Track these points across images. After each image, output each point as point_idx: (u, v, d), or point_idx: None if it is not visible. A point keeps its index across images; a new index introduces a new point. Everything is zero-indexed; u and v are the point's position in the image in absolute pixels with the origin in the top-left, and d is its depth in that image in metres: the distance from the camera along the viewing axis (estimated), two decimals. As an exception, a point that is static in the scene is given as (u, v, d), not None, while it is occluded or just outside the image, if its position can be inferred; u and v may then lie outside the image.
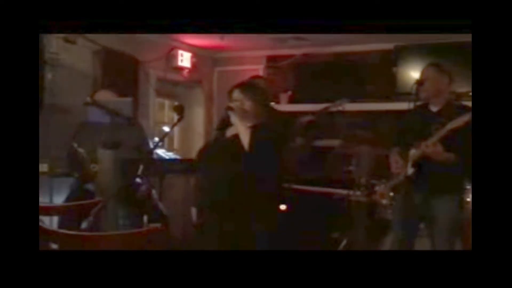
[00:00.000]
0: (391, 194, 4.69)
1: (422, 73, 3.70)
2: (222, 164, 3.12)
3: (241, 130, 3.09)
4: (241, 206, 3.05)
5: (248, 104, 3.16)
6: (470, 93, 5.35)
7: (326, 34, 5.55)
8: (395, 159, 3.74)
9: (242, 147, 3.06)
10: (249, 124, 3.12)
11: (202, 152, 3.41)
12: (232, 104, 3.15)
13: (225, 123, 3.31)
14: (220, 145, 3.23)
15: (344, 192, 5.11)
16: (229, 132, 3.23)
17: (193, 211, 3.32)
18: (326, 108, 5.03)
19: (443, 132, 3.35)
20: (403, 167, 3.65)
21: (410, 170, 3.58)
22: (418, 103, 3.66)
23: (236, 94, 3.21)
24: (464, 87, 5.42)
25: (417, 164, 3.54)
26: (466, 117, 3.24)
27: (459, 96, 5.27)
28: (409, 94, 3.69)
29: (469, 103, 3.94)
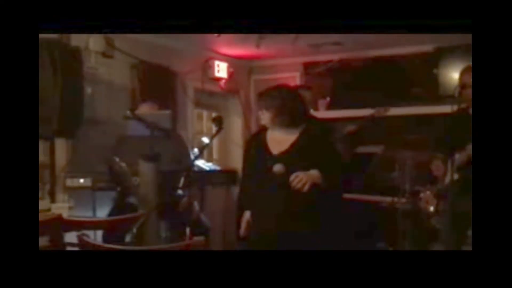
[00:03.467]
0: (436, 200, 4.61)
1: (463, 76, 3.64)
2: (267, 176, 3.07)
3: (282, 139, 3.06)
4: (288, 216, 3.00)
5: (273, 114, 3.07)
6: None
7: (364, 37, 5.56)
8: (436, 164, 3.68)
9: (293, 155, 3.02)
10: (289, 132, 3.07)
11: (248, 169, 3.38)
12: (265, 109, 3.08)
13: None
14: (267, 153, 3.17)
15: (388, 199, 5.03)
16: (272, 141, 3.17)
17: (244, 221, 3.26)
18: (370, 116, 4.97)
19: None
20: (445, 172, 3.59)
21: (456, 175, 3.52)
22: (461, 106, 3.60)
23: (261, 103, 3.15)
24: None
25: (463, 169, 3.47)
26: None
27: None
28: (452, 96, 3.62)
29: None
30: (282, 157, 3.02)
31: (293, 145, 3.05)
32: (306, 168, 2.92)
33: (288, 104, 3.06)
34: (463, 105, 3.63)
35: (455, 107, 3.57)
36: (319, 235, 2.99)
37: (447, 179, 3.64)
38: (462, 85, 3.56)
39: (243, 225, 3.24)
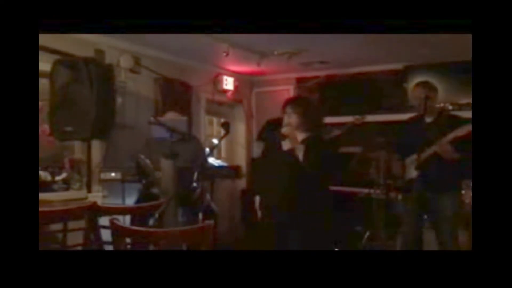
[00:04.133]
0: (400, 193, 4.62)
1: (416, 90, 3.63)
2: (280, 174, 3.05)
3: (296, 145, 3.00)
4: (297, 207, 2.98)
5: (295, 118, 3.05)
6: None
7: (345, 57, 5.56)
8: (396, 164, 3.69)
9: (297, 160, 2.97)
10: (301, 138, 3.03)
11: (261, 158, 3.36)
12: (284, 131, 3.03)
13: (271, 131, 3.25)
14: (276, 157, 3.14)
15: (365, 191, 5.04)
16: (285, 145, 3.12)
17: (257, 205, 3.23)
18: (351, 123, 4.97)
19: (450, 137, 3.28)
20: (403, 171, 3.61)
21: (414, 173, 3.51)
22: (414, 114, 3.62)
23: (288, 109, 3.10)
24: (465, 99, 5.31)
25: (421, 167, 3.47)
26: (470, 127, 3.16)
27: (462, 106, 5.17)
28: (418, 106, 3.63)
29: (459, 113, 3.88)
30: (287, 154, 3.04)
31: (302, 142, 3.03)
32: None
33: (312, 111, 3.10)
34: (417, 113, 3.65)
35: (410, 115, 3.60)
36: (312, 216, 2.99)
37: (407, 176, 3.63)
38: (427, 96, 3.54)
39: (259, 209, 3.22)
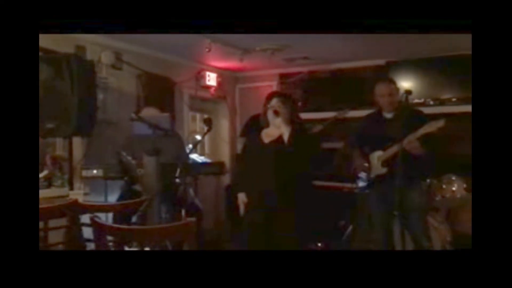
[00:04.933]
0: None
1: (378, 88, 3.67)
2: (267, 163, 3.06)
3: (284, 129, 3.03)
4: (284, 198, 3.00)
5: (284, 110, 3.08)
6: (453, 99, 5.31)
7: (328, 53, 5.57)
8: (359, 160, 3.71)
9: (284, 145, 3.01)
10: (288, 127, 3.06)
11: (243, 155, 3.36)
12: (279, 110, 3.07)
13: (259, 125, 3.24)
14: (261, 147, 3.15)
15: (348, 185, 5.06)
16: (265, 136, 3.15)
17: (240, 201, 3.22)
18: (333, 118, 4.99)
19: (419, 133, 3.30)
20: (369, 168, 3.64)
21: (381, 170, 3.54)
22: (374, 110, 3.66)
23: (275, 101, 3.13)
24: (446, 94, 5.37)
25: (387, 163, 3.49)
26: (440, 123, 3.22)
27: (443, 101, 5.23)
28: (400, 102, 3.65)
29: (420, 109, 3.92)
30: (271, 145, 3.04)
31: (281, 137, 3.05)
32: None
33: (294, 108, 3.19)
34: (376, 108, 3.69)
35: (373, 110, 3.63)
36: (297, 211, 3.00)
37: (375, 172, 3.65)
38: (407, 91, 3.57)
39: (241, 205, 3.21)
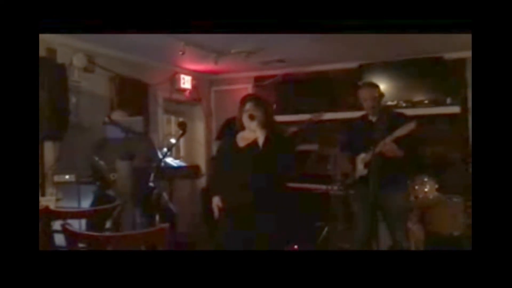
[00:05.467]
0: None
1: (361, 92, 3.71)
2: (242, 167, 3.03)
3: (259, 133, 3.00)
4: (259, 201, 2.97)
5: (259, 114, 3.05)
6: (425, 101, 5.39)
7: (303, 56, 5.60)
8: (344, 162, 3.75)
9: (259, 149, 2.98)
10: (263, 131, 3.03)
11: (218, 159, 3.32)
12: (254, 114, 3.03)
13: (234, 129, 3.21)
14: (236, 151, 3.12)
15: (323, 187, 5.09)
16: (241, 140, 3.13)
17: (215, 205, 3.17)
18: (309, 120, 5.01)
19: (394, 136, 3.37)
20: (353, 169, 3.67)
21: (364, 171, 3.58)
22: (361, 114, 3.70)
23: (250, 105, 3.09)
24: (418, 96, 5.45)
25: (369, 165, 3.54)
26: (411, 126, 3.31)
27: (415, 104, 5.31)
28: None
29: (401, 111, 3.98)
30: (246, 149, 3.03)
31: (256, 142, 3.03)
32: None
33: (269, 111, 3.14)
34: (363, 112, 3.73)
35: (357, 114, 3.66)
36: (273, 213, 2.99)
37: (357, 174, 3.69)
38: (381, 94, 3.66)
39: (215, 209, 3.17)
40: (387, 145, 3.39)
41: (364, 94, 3.67)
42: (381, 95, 3.71)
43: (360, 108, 3.83)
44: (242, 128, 3.13)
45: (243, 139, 3.13)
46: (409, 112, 4.68)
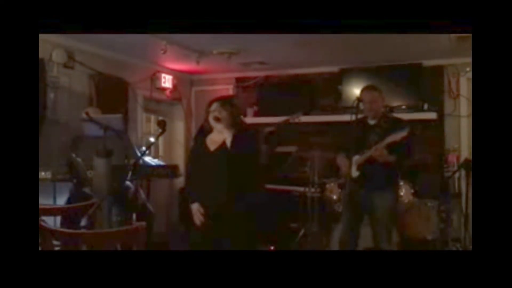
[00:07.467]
0: (339, 191, 4.74)
1: (362, 94, 3.73)
2: (214, 170, 3.03)
3: (226, 134, 3.01)
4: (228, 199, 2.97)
5: (225, 115, 3.05)
6: (403, 106, 5.45)
7: (284, 58, 5.61)
8: (344, 162, 3.75)
9: (228, 151, 2.99)
10: (231, 132, 3.04)
11: (191, 163, 3.30)
12: (220, 115, 3.04)
13: (204, 132, 3.20)
14: (206, 155, 3.11)
15: (300, 189, 5.10)
16: (210, 142, 3.11)
17: (195, 211, 3.11)
18: (285, 121, 5.01)
19: (385, 142, 3.42)
20: (349, 166, 3.67)
21: (355, 173, 3.61)
22: (359, 116, 3.69)
23: (215, 106, 3.10)
24: (396, 101, 5.51)
25: (361, 168, 3.57)
26: (403, 133, 3.35)
27: (393, 109, 5.36)
28: (351, 108, 3.72)
29: (399, 115, 4.04)
30: (216, 151, 3.01)
31: (224, 143, 3.02)
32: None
33: (235, 112, 3.14)
34: (359, 116, 3.74)
35: (353, 116, 3.66)
36: (249, 215, 2.98)
37: (349, 175, 3.70)
38: (361, 100, 3.66)
39: (196, 215, 3.11)
40: (378, 150, 3.44)
41: (363, 97, 3.67)
42: (382, 99, 3.73)
43: (339, 111, 3.85)
44: (211, 130, 3.12)
45: (212, 141, 3.12)
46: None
